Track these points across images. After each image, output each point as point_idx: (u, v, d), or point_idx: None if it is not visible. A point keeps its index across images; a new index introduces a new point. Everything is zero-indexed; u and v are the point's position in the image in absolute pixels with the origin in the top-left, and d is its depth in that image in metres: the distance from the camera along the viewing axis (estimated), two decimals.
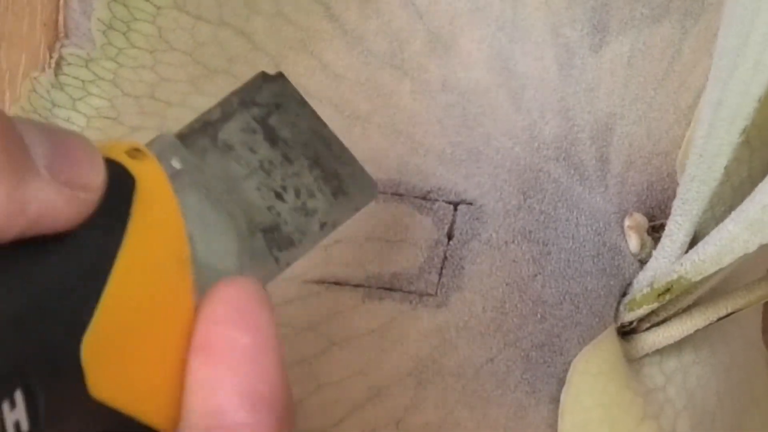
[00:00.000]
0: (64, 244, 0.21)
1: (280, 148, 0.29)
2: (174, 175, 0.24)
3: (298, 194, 0.28)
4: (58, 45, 0.35)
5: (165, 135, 0.26)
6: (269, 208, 0.28)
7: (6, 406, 0.19)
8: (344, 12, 0.35)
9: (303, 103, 0.29)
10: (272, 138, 0.29)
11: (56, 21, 0.35)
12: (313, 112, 0.29)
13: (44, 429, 0.20)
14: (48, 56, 0.35)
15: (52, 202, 0.20)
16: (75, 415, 0.21)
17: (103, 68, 0.34)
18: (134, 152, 0.24)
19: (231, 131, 0.28)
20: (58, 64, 0.35)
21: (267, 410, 0.22)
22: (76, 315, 0.21)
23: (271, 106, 0.29)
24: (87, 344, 0.21)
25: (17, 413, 0.20)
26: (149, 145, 0.25)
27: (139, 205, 0.22)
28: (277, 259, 0.26)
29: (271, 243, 0.27)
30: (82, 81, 0.34)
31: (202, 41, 0.35)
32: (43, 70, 0.35)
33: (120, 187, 0.22)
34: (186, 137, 0.27)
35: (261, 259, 0.26)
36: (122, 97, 0.34)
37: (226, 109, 0.29)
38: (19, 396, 0.20)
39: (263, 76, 0.30)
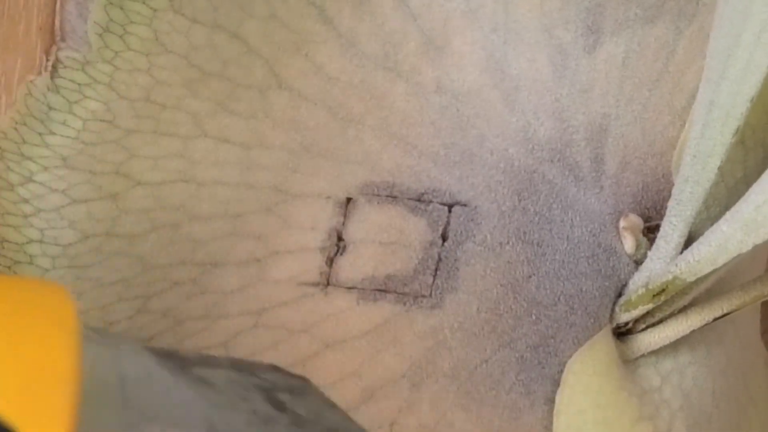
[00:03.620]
0: None
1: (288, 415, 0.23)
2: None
3: None
4: (54, 48, 0.35)
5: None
6: None
7: None
8: (337, 14, 0.35)
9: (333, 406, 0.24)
10: (279, 407, 0.24)
11: (52, 25, 0.35)
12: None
13: None
14: (44, 60, 0.35)
15: None
16: None
17: (100, 71, 0.34)
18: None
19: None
20: (54, 68, 0.35)
21: None
22: None
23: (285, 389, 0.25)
24: None
25: None
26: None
27: None
28: None
29: None
30: (79, 84, 0.34)
31: (197, 44, 0.35)
32: (40, 73, 0.35)
33: None
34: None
35: None
36: (118, 100, 0.34)
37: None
38: None
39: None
